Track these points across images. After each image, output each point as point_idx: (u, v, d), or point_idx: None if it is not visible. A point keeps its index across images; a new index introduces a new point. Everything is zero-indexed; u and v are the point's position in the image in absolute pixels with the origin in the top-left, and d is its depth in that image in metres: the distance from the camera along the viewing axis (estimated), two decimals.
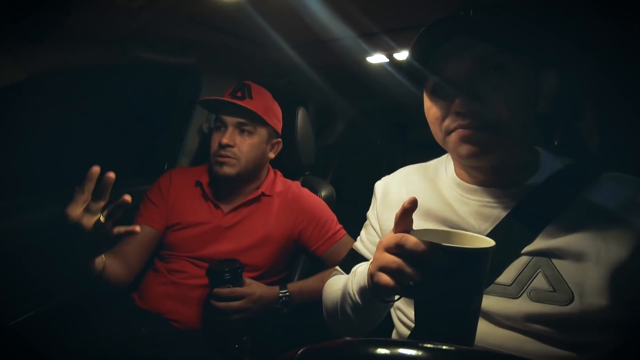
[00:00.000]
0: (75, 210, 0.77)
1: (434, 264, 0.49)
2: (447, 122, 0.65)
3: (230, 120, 1.18)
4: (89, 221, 0.78)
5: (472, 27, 0.62)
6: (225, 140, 1.15)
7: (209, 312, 1.07)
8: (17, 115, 1.26)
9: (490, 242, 0.51)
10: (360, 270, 0.70)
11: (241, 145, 1.18)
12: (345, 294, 0.73)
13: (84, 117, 1.53)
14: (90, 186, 0.76)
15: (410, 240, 0.51)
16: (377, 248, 0.58)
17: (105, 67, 1.20)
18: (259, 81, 1.28)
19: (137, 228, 0.84)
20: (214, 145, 1.18)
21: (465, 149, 0.64)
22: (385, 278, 0.54)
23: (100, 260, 0.96)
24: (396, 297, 0.61)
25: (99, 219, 0.78)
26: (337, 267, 0.92)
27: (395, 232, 0.55)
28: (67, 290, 1.24)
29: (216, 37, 1.21)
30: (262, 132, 1.22)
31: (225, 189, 1.25)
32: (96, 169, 0.76)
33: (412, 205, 0.54)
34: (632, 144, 0.96)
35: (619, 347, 0.60)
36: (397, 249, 0.53)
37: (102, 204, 0.78)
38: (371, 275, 0.59)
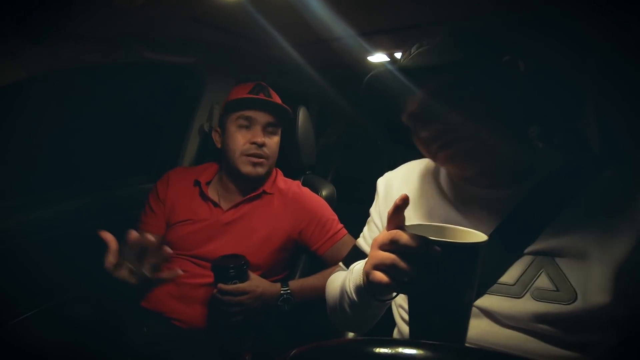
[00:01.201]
0: (121, 273, 0.88)
1: (428, 258, 0.50)
2: (427, 146, 0.68)
3: (259, 119, 1.19)
4: (134, 278, 0.89)
5: (411, 72, 0.66)
6: (261, 140, 1.17)
7: (211, 309, 1.07)
8: (18, 115, 1.26)
9: (483, 237, 0.52)
10: (357, 269, 0.70)
11: (270, 145, 1.21)
12: (342, 292, 0.74)
13: (85, 116, 1.53)
14: (131, 253, 0.86)
15: (404, 236, 0.52)
16: (372, 246, 0.58)
17: (107, 66, 1.20)
18: (259, 80, 1.28)
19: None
20: (241, 143, 1.18)
21: (452, 167, 0.67)
22: (379, 275, 0.55)
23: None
24: (394, 294, 0.62)
25: (143, 273, 0.88)
26: (341, 264, 0.92)
27: (388, 229, 0.56)
28: (67, 290, 1.24)
29: (218, 37, 1.21)
30: (279, 131, 1.25)
31: (226, 187, 1.25)
32: (134, 236, 0.85)
33: (404, 202, 0.54)
34: (633, 143, 0.96)
35: (620, 346, 0.60)
36: (391, 245, 0.54)
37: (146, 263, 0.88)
38: (367, 274, 0.59)
